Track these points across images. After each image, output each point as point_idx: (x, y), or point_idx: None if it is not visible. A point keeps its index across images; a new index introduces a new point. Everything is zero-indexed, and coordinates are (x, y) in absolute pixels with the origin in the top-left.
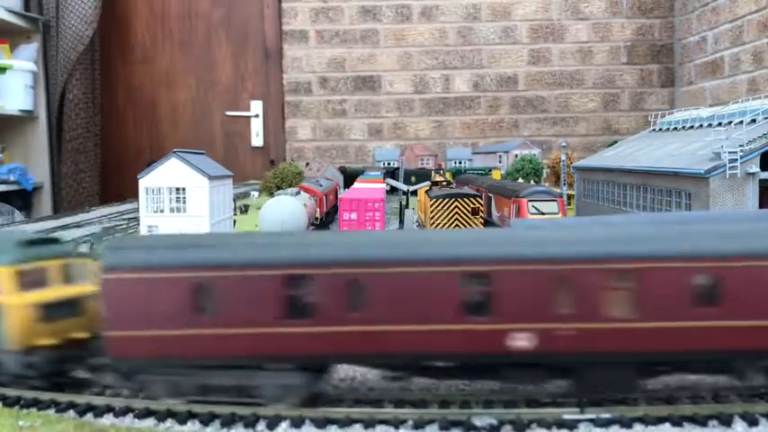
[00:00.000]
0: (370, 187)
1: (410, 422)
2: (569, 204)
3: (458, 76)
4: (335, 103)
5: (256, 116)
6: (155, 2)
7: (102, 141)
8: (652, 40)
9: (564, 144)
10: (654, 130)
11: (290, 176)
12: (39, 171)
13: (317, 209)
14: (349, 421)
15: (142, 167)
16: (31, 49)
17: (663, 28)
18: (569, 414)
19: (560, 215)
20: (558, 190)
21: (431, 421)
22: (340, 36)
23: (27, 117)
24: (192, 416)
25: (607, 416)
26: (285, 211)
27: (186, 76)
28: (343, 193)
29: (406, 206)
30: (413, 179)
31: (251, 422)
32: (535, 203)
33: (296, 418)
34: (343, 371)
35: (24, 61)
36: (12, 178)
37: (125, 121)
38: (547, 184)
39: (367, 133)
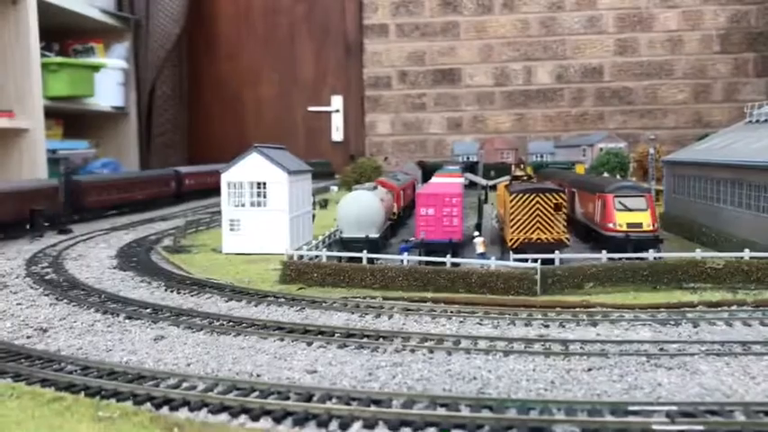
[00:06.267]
0: (448, 182)
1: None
2: (658, 200)
3: (540, 68)
4: (414, 96)
5: (337, 111)
6: None
7: (188, 136)
8: (747, 27)
9: (652, 137)
10: (750, 121)
11: (369, 171)
12: (130, 165)
13: (395, 203)
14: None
15: (228, 161)
16: (122, 47)
17: (760, 14)
18: (659, 425)
19: (648, 212)
20: (646, 185)
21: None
22: (420, 29)
23: (119, 113)
24: (265, 413)
25: (699, 428)
26: (362, 205)
27: (269, 72)
28: (420, 188)
29: (485, 201)
30: (492, 173)
31: (324, 421)
32: (622, 199)
33: (369, 418)
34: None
35: (116, 59)
36: (105, 172)
37: (211, 116)
38: (634, 178)
39: (446, 127)
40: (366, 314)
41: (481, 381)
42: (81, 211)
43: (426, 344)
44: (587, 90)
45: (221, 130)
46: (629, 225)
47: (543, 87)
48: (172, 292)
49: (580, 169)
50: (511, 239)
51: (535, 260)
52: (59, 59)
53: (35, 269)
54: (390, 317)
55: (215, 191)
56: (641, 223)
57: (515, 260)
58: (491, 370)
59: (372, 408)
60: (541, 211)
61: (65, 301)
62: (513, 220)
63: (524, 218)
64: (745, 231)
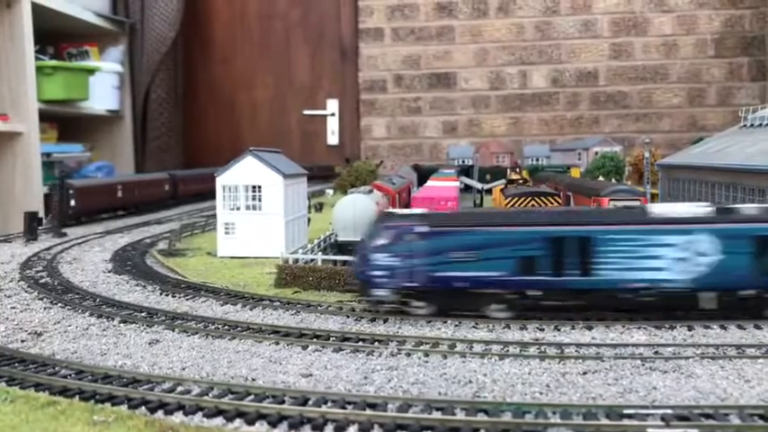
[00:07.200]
0: (443, 185)
1: None
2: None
3: (535, 72)
4: (410, 100)
5: (332, 115)
6: (234, 2)
7: (183, 139)
8: (742, 31)
9: (647, 141)
10: (744, 125)
11: (364, 174)
12: (124, 168)
13: (390, 207)
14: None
15: (223, 165)
16: (117, 51)
17: (754, 19)
18: (654, 429)
19: None
20: (641, 188)
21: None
22: (415, 33)
23: (114, 117)
24: (260, 416)
25: (694, 431)
26: (357, 209)
27: (264, 76)
28: (416, 192)
29: (481, 205)
30: (488, 177)
31: (319, 425)
32: (617, 202)
33: (364, 422)
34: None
35: (111, 63)
36: (99, 176)
37: (206, 120)
38: (629, 182)
39: (441, 131)
40: (361, 318)
41: (476, 384)
42: (176, 197)
43: (422, 348)
44: (582, 94)
45: (216, 133)
46: None
47: (538, 91)
48: (167, 295)
49: (575, 173)
50: None
51: None
52: (54, 63)
53: (29, 273)
54: (386, 321)
55: None
56: None
57: None
58: (486, 374)
59: (368, 411)
60: None
61: (59, 304)
62: None
63: None
64: None
